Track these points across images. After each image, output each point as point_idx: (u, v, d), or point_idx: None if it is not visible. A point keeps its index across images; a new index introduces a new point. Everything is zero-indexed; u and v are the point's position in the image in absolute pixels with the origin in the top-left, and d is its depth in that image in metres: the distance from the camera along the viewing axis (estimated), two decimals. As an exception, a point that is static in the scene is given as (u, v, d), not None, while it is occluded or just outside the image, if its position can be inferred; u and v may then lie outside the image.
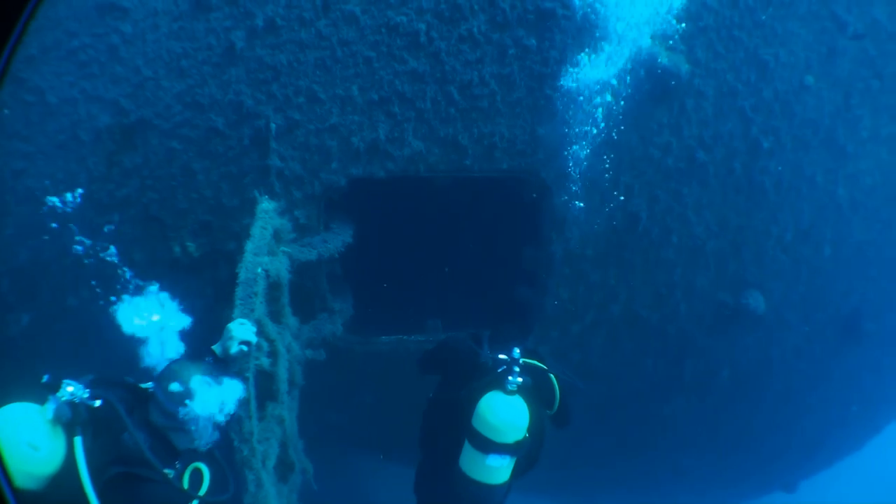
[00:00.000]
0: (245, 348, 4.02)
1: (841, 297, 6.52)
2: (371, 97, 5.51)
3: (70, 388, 3.16)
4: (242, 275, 4.42)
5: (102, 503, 3.07)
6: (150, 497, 3.17)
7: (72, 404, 3.15)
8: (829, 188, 6.12)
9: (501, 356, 4.65)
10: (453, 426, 4.67)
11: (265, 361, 4.41)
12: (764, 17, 5.67)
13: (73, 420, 3.14)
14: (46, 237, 5.31)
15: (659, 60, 5.53)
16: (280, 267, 4.96)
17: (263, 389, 4.70)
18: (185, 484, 3.43)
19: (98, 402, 3.20)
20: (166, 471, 3.32)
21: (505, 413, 4.43)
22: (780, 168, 5.98)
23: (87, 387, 3.23)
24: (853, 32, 5.74)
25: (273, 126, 5.45)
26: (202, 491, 3.41)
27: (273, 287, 5.01)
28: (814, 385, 6.94)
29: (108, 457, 3.16)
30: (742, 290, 6.29)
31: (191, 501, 3.39)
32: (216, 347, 4.04)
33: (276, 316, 5.06)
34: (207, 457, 3.60)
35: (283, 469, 5.09)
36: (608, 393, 6.71)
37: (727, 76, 5.77)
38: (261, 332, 4.32)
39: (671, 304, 6.36)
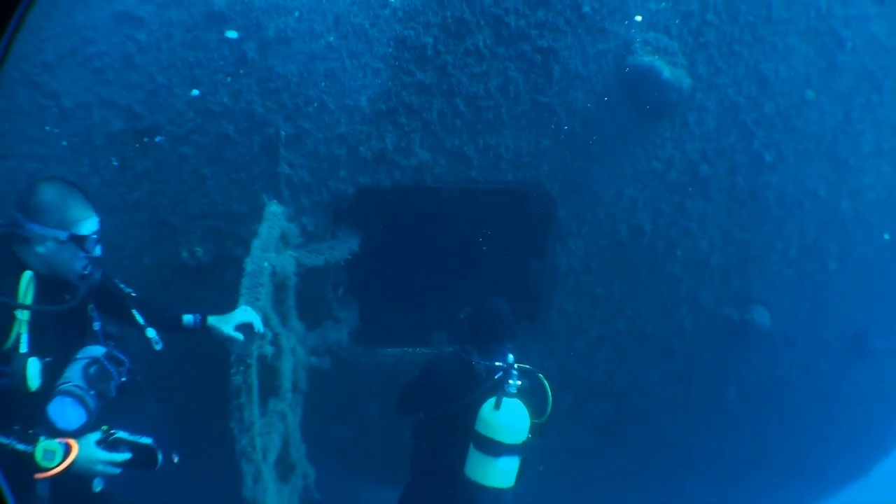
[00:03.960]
0: (241, 336, 4.07)
1: (847, 313, 6.49)
2: (379, 108, 5.63)
3: None
4: (249, 266, 4.47)
5: None
6: None
7: None
8: (833, 203, 6.14)
9: (497, 363, 4.72)
10: (454, 439, 4.70)
11: (269, 349, 4.44)
12: (764, 33, 5.80)
13: None
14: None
15: (662, 74, 5.64)
16: (286, 266, 5.02)
17: (266, 385, 4.72)
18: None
19: None
20: None
21: (511, 415, 4.51)
22: (783, 182, 6.03)
23: None
24: None
25: (283, 134, 5.57)
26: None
27: (279, 289, 5.05)
28: (821, 404, 6.86)
29: None
30: (747, 305, 6.28)
31: None
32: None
33: (281, 319, 5.10)
34: None
35: (284, 468, 5.07)
36: (614, 411, 6.67)
37: (728, 90, 5.86)
38: (265, 322, 4.36)
39: (677, 320, 6.35)
